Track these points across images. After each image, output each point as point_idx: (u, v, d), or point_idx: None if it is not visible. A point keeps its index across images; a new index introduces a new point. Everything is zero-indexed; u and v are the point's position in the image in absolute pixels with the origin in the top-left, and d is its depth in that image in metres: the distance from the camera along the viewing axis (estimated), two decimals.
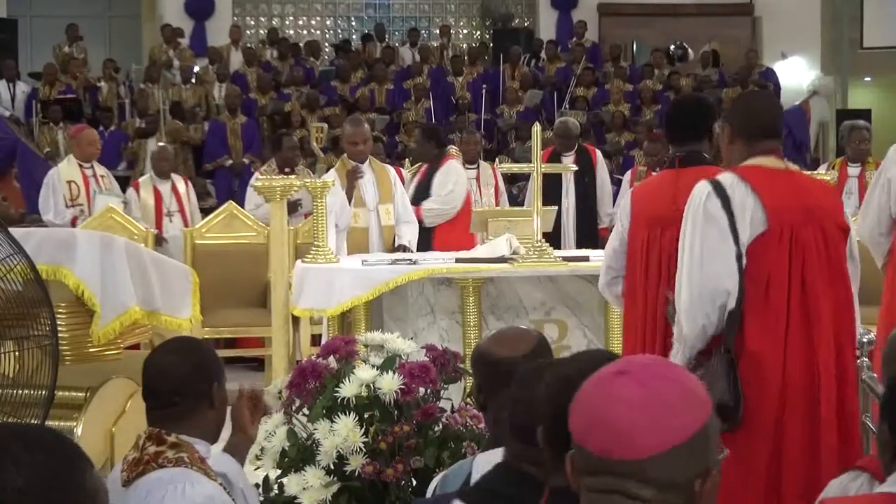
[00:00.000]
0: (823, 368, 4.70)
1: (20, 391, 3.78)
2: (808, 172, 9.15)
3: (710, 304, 4.69)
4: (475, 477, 3.37)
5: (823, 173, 8.91)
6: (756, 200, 4.77)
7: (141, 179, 12.11)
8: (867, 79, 22.44)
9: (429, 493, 3.48)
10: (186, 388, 3.60)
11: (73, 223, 10.75)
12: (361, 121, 9.96)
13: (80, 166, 11.48)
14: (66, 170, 11.48)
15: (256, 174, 11.47)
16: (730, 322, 4.67)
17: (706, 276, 4.71)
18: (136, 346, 5.51)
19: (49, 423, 4.08)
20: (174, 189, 11.68)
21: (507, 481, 3.00)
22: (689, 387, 2.18)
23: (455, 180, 10.46)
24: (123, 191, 11.94)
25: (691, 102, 6.24)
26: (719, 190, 4.77)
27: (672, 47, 19.88)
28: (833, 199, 5.18)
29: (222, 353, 11.10)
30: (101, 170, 11.73)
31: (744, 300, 4.69)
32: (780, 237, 4.78)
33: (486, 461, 3.35)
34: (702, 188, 4.81)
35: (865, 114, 19.61)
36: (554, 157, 11.86)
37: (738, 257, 4.71)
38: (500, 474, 3.06)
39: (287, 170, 11.19)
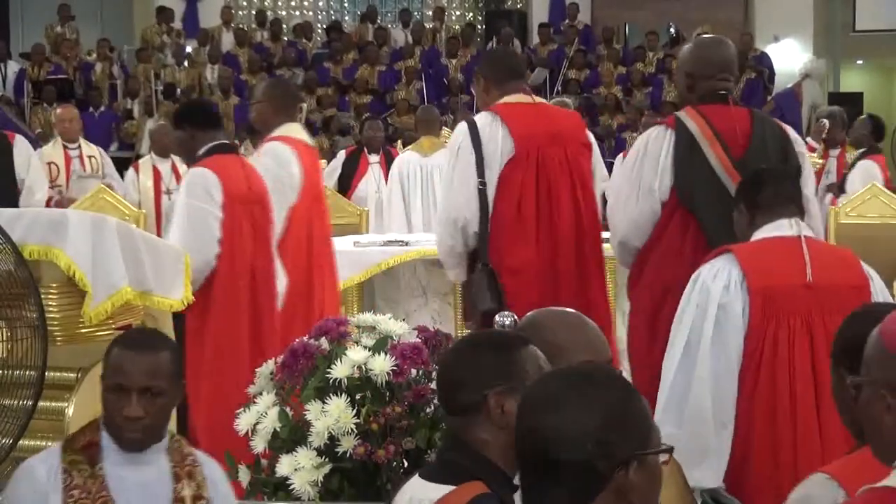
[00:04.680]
0: (564, 267, 5.66)
1: (11, 372, 3.78)
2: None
3: (452, 227, 5.64)
4: None
5: (814, 155, 8.92)
6: (506, 131, 5.64)
7: (141, 161, 12.07)
8: (859, 62, 22.45)
9: None
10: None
11: (48, 205, 10.51)
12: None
13: (65, 147, 11.38)
14: (49, 151, 11.38)
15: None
16: (481, 241, 5.62)
17: (450, 205, 5.67)
18: (127, 327, 5.50)
19: (41, 403, 4.08)
20: (174, 168, 11.64)
21: (453, 452, 2.98)
22: None
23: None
24: (120, 172, 11.89)
25: None
26: (473, 129, 5.65)
27: (673, 30, 19.86)
28: (575, 121, 6.30)
29: None
30: (90, 150, 11.63)
31: (498, 219, 5.57)
32: (527, 159, 5.67)
33: None
34: (462, 128, 5.74)
35: (857, 97, 19.64)
36: None
37: (481, 188, 5.58)
38: (455, 445, 3.02)
39: None
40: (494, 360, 2.95)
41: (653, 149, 5.20)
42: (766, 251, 4.40)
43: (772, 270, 4.33)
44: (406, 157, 11.19)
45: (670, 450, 2.43)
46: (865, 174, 10.73)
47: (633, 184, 5.19)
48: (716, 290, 4.29)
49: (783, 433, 4.25)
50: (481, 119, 5.74)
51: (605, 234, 5.77)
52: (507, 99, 5.81)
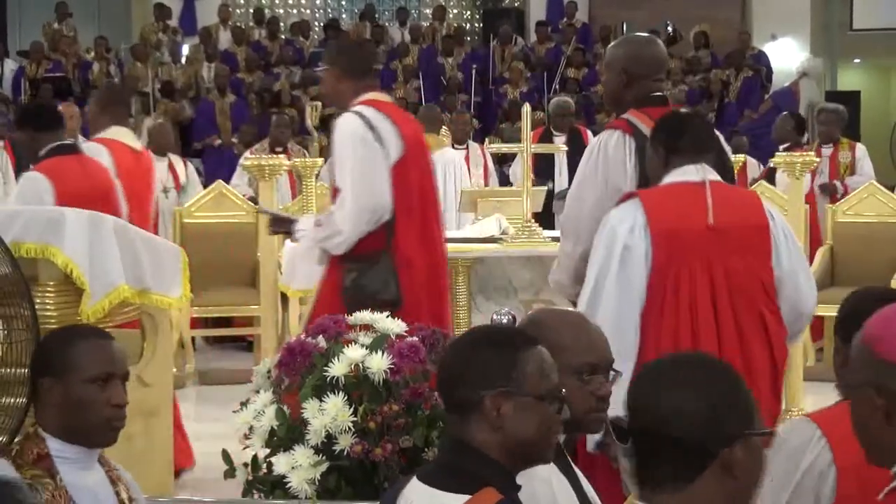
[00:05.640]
0: (442, 259, 5.99)
1: (5, 370, 3.77)
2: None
3: (369, 215, 5.63)
4: None
5: (797, 156, 8.91)
6: (394, 129, 5.73)
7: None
8: (856, 61, 22.45)
9: None
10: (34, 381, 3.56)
11: None
12: None
13: None
14: None
15: (246, 153, 11.47)
16: (388, 230, 5.67)
17: (366, 192, 5.63)
18: (125, 325, 5.50)
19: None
20: (171, 166, 11.64)
21: (453, 455, 2.94)
22: None
23: None
24: None
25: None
26: (369, 123, 5.67)
27: (670, 28, 19.85)
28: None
29: (213, 332, 11.14)
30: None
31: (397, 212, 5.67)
32: (412, 159, 5.80)
33: None
34: (354, 121, 5.71)
35: (854, 95, 19.64)
36: (546, 137, 11.85)
37: (389, 178, 5.68)
38: (448, 447, 3.01)
39: (278, 149, 11.18)
40: (496, 359, 2.90)
41: (616, 154, 5.18)
42: (671, 196, 4.63)
43: (674, 214, 4.57)
44: None
45: (772, 433, 2.62)
46: None
47: (599, 188, 5.16)
48: (621, 232, 4.54)
49: None
50: (368, 112, 5.77)
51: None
52: (376, 96, 5.93)
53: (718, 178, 4.74)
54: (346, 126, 5.76)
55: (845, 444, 3.32)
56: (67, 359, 3.51)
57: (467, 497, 2.79)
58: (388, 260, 5.69)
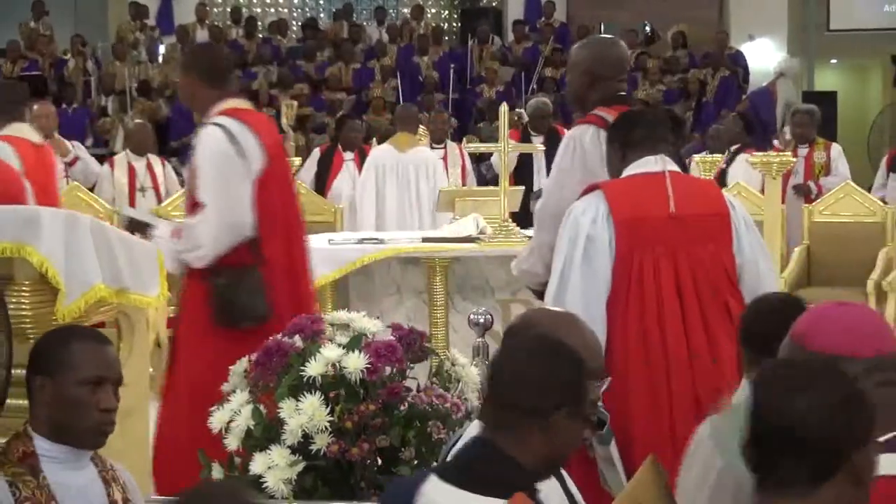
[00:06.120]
0: (307, 267, 5.97)
1: None
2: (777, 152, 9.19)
3: (237, 233, 5.58)
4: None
5: (773, 155, 8.98)
6: (257, 140, 5.66)
7: (116, 158, 12.05)
8: (833, 61, 22.52)
9: None
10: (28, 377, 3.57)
11: None
12: None
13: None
14: None
15: None
16: (253, 244, 5.62)
17: (234, 210, 5.58)
18: (101, 325, 5.48)
19: (9, 401, 4.05)
20: (149, 166, 11.62)
21: (484, 458, 2.92)
22: None
23: None
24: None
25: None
26: (232, 137, 5.60)
27: (648, 28, 19.89)
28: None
29: None
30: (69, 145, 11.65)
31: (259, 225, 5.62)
32: (274, 168, 5.73)
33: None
34: (217, 135, 5.62)
35: (831, 96, 19.70)
36: (525, 137, 11.86)
37: (252, 192, 5.60)
38: (478, 449, 2.97)
39: None
40: (575, 379, 2.93)
41: (592, 147, 5.26)
42: (632, 186, 4.73)
43: (636, 203, 4.66)
44: (382, 152, 11.16)
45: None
46: (746, 167, 10.79)
47: (577, 178, 5.19)
48: (584, 223, 4.62)
49: (654, 355, 4.57)
50: (231, 125, 5.69)
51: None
52: (237, 104, 5.85)
53: (678, 168, 4.84)
54: (209, 140, 5.70)
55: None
56: (61, 359, 3.51)
57: (499, 501, 2.79)
58: (257, 274, 5.66)
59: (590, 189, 4.78)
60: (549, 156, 11.68)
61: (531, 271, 5.45)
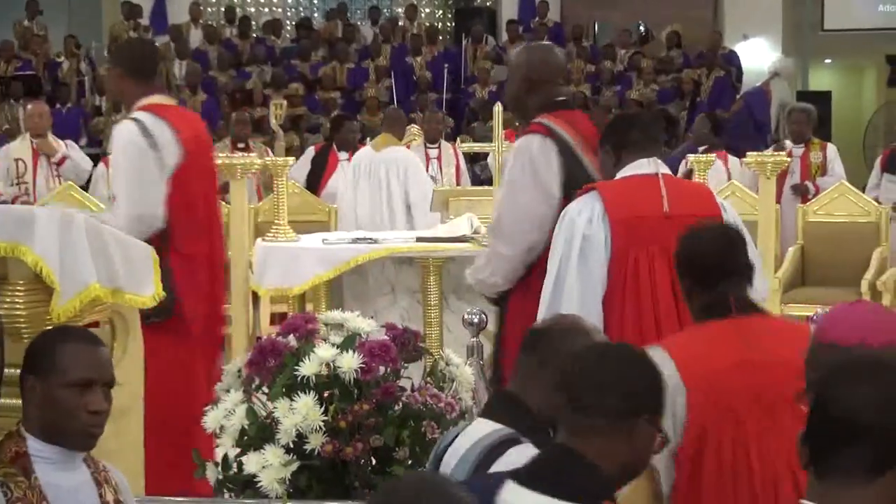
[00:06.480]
0: (222, 262, 6.07)
1: None
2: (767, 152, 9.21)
3: (146, 225, 5.62)
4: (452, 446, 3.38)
5: (767, 154, 8.99)
6: (173, 134, 5.73)
7: (110, 156, 12.03)
8: (827, 61, 22.53)
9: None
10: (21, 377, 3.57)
11: (14, 202, 10.49)
12: None
13: (33, 143, 11.34)
14: (17, 147, 11.37)
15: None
16: (163, 238, 5.65)
17: (144, 202, 5.66)
18: (95, 324, 5.48)
19: (2, 401, 4.05)
20: None
21: (568, 465, 2.90)
22: None
23: None
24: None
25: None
26: (145, 130, 5.68)
27: (642, 28, 19.90)
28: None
29: None
30: (61, 144, 11.62)
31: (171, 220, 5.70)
32: (195, 163, 5.83)
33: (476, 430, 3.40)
34: (130, 128, 5.70)
35: (826, 95, 19.70)
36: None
37: (166, 186, 5.68)
38: (560, 456, 2.94)
39: (241, 146, 11.17)
40: (654, 384, 2.99)
41: (540, 156, 5.30)
42: (627, 187, 4.81)
43: (631, 203, 4.74)
44: (361, 152, 11.12)
45: None
46: (714, 168, 10.77)
47: (529, 190, 5.25)
48: (580, 223, 4.68)
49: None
50: (145, 118, 5.77)
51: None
52: (159, 100, 5.90)
53: (669, 171, 4.95)
54: (122, 133, 5.81)
55: (690, 364, 3.64)
56: (51, 360, 3.49)
57: None
58: (165, 269, 5.67)
59: (585, 190, 4.84)
60: None
61: (488, 282, 5.48)
